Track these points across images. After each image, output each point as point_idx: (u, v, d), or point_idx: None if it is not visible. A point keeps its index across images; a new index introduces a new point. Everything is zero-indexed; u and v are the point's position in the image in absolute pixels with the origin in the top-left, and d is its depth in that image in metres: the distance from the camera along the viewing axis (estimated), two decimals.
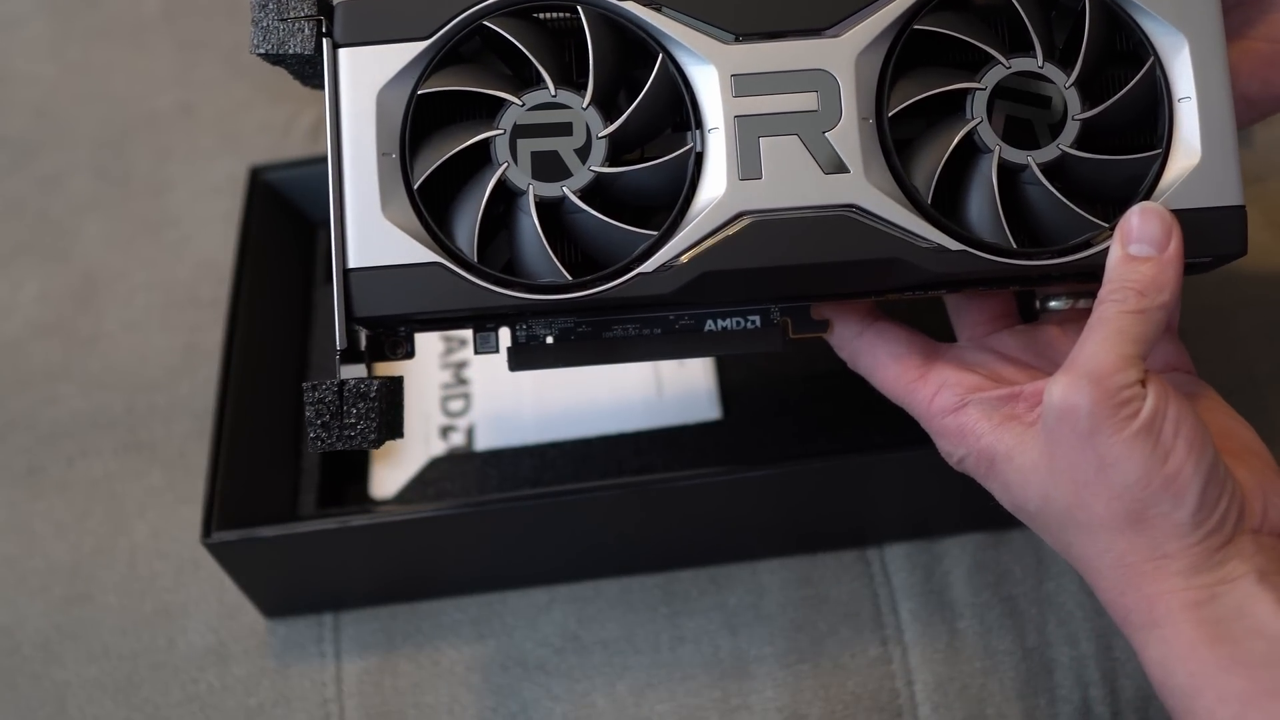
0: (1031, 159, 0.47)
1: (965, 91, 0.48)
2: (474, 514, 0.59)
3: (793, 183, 0.47)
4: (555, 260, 0.47)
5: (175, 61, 0.87)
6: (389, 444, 0.66)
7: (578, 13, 0.48)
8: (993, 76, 0.48)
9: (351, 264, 0.47)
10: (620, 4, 0.48)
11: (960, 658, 0.61)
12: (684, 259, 0.47)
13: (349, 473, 0.66)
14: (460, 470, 0.64)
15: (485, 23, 0.48)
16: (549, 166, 0.48)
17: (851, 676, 0.61)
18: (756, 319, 0.51)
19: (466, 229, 0.47)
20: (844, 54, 0.47)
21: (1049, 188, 0.47)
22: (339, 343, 0.47)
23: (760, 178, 0.47)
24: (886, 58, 0.48)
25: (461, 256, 0.47)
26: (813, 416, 0.64)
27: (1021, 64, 0.48)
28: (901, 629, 0.62)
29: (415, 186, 0.47)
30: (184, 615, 0.65)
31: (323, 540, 0.59)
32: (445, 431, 0.66)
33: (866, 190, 0.47)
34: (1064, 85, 0.48)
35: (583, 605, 0.63)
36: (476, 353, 0.51)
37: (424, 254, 0.47)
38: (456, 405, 0.67)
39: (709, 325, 0.51)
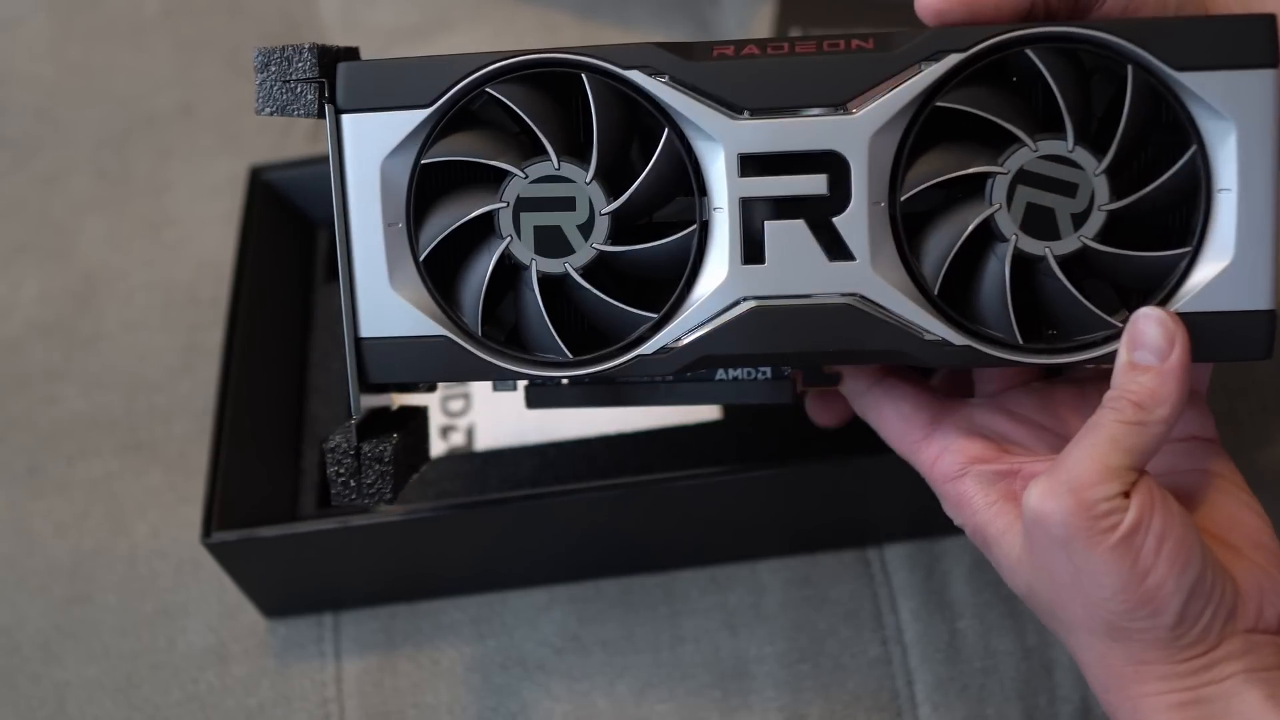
0: (1049, 250, 0.44)
1: (986, 174, 0.44)
2: (474, 514, 0.59)
3: (796, 270, 0.46)
4: (557, 338, 0.47)
5: (175, 61, 0.87)
6: None
7: (582, 80, 0.46)
8: (1017, 160, 0.44)
9: (363, 334, 0.48)
10: (625, 72, 0.46)
11: (960, 658, 0.61)
12: (683, 342, 0.47)
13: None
14: (460, 470, 0.64)
15: (488, 90, 0.47)
16: (552, 242, 0.47)
17: (851, 676, 0.61)
18: (768, 370, 0.51)
19: (471, 301, 0.48)
20: (858, 134, 0.44)
21: (1065, 284, 0.44)
22: (354, 413, 0.48)
23: (764, 263, 0.46)
24: (903, 138, 0.45)
25: (467, 329, 0.48)
26: None
27: (1050, 146, 0.44)
28: (901, 629, 0.62)
29: (421, 259, 0.48)
30: (184, 615, 0.65)
31: (323, 540, 0.59)
32: (445, 431, 0.66)
33: (872, 280, 0.45)
34: (1094, 172, 0.44)
35: (583, 605, 0.63)
36: (495, 389, 0.51)
37: (432, 327, 0.48)
38: (456, 405, 0.67)
39: (720, 374, 0.51)
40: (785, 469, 0.59)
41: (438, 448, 0.66)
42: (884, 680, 0.60)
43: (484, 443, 0.66)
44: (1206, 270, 0.44)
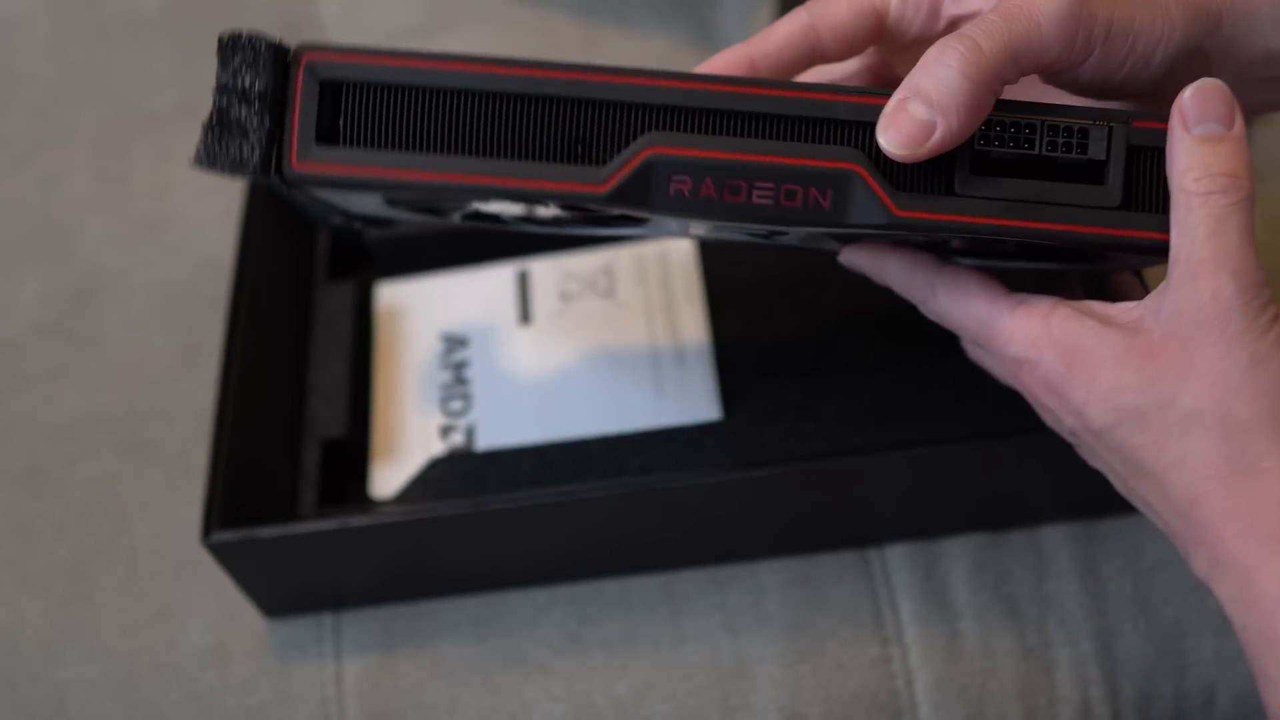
0: None
1: None
2: (474, 514, 0.59)
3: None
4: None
5: (175, 61, 0.87)
6: (389, 444, 0.67)
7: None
8: None
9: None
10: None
11: (960, 658, 0.61)
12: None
13: (349, 473, 0.66)
14: (460, 470, 0.64)
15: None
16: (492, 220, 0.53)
17: (851, 676, 0.61)
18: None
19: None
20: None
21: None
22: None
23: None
24: None
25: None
26: (813, 416, 0.64)
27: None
28: (901, 629, 0.62)
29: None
30: (184, 615, 0.65)
31: (323, 540, 0.59)
32: (445, 431, 0.66)
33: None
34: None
35: (583, 605, 0.63)
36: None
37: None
38: (456, 405, 0.67)
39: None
40: (785, 469, 0.59)
41: (437, 448, 0.66)
42: (884, 680, 0.60)
43: (484, 443, 0.66)
44: None
